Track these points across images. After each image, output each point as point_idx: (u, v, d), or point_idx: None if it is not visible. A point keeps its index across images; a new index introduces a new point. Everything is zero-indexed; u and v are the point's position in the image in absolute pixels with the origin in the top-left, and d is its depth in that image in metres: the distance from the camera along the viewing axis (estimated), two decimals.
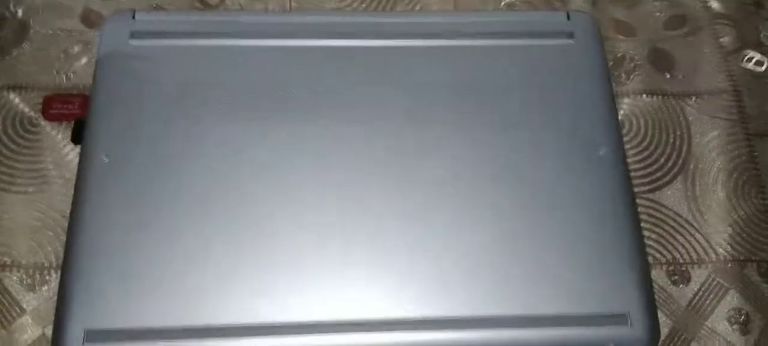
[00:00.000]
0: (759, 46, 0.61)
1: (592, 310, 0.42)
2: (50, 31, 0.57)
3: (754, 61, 0.60)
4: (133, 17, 0.51)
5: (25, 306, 0.47)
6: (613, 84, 0.55)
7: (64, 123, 0.53)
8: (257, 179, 0.45)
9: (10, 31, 0.57)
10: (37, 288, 0.47)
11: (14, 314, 0.47)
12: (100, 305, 0.40)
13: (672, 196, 0.53)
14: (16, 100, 0.54)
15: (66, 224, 0.45)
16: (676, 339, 0.49)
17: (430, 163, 0.46)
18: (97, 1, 0.59)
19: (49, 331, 0.45)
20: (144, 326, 0.40)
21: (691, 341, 0.49)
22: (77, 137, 0.50)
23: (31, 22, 0.57)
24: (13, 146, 0.52)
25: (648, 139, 0.55)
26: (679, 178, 0.54)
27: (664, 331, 0.48)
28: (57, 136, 0.52)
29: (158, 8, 0.59)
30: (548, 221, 0.44)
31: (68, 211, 0.44)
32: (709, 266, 0.51)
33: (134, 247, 0.42)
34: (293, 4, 0.60)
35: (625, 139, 0.54)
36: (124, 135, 0.46)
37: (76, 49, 0.56)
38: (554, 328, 0.42)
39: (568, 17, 0.53)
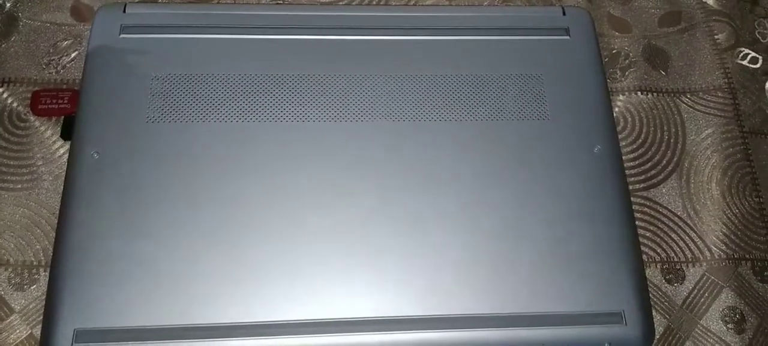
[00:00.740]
0: (754, 44, 0.61)
1: (587, 309, 0.42)
2: (39, 24, 0.56)
3: (749, 58, 0.60)
4: (124, 10, 0.50)
5: (13, 305, 0.46)
6: (608, 80, 0.55)
7: (53, 118, 0.52)
8: (249, 176, 0.44)
9: None
10: (25, 287, 0.47)
11: (2, 314, 0.46)
12: (90, 304, 0.40)
13: (667, 194, 0.53)
14: (5, 94, 0.53)
15: (55, 222, 0.44)
16: (670, 338, 0.49)
17: (424, 161, 0.45)
18: None
19: (37, 331, 0.45)
20: (135, 325, 0.39)
21: (686, 340, 0.49)
22: (67, 133, 0.50)
23: (19, 14, 0.56)
24: (0, 142, 0.51)
25: (643, 137, 0.55)
26: (674, 175, 0.54)
27: (659, 330, 0.48)
28: (46, 132, 0.52)
29: (149, 1, 0.58)
30: (543, 218, 0.44)
31: (58, 208, 0.44)
32: (704, 264, 0.51)
33: (125, 245, 0.41)
34: None
35: (620, 136, 0.54)
36: (115, 131, 0.45)
37: (66, 42, 0.56)
38: (549, 327, 0.41)
39: (564, 13, 0.53)
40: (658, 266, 0.51)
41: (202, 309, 0.40)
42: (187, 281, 0.41)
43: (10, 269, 0.47)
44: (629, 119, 0.56)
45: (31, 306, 0.46)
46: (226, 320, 0.40)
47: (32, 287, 0.47)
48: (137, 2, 0.57)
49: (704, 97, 0.58)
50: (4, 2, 0.57)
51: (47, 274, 0.45)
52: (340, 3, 0.60)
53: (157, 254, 0.41)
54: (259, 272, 0.41)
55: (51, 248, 0.45)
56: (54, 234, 0.43)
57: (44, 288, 0.44)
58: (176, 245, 0.42)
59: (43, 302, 0.41)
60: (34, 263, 0.47)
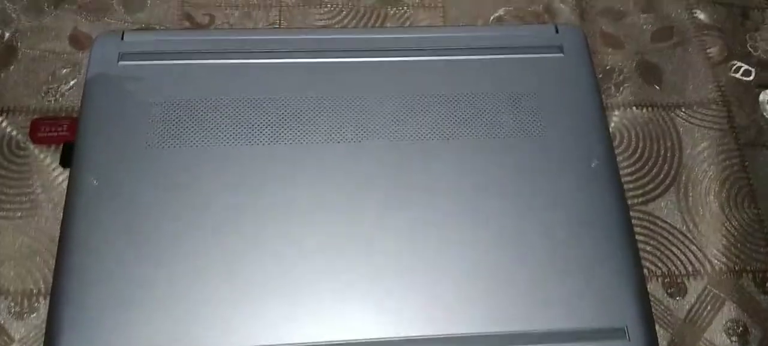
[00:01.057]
0: (746, 57, 0.61)
1: (590, 325, 0.42)
2: (38, 53, 0.57)
3: (742, 71, 0.60)
4: (122, 38, 0.50)
5: (13, 335, 0.46)
6: (603, 96, 0.56)
7: (53, 146, 0.52)
8: (249, 199, 0.44)
9: None
10: (25, 316, 0.46)
11: (2, 343, 0.46)
12: (90, 332, 0.39)
13: (665, 207, 0.53)
14: (4, 123, 0.53)
15: (55, 250, 0.44)
16: None
17: (421, 181, 0.45)
18: (85, 22, 0.59)
19: None
20: None
21: None
22: (66, 160, 0.50)
23: (18, 44, 0.57)
24: (0, 171, 0.51)
25: (639, 151, 0.56)
26: (672, 189, 0.54)
27: (662, 344, 0.48)
28: (45, 160, 0.52)
29: (147, 28, 0.59)
30: (542, 235, 0.44)
31: (57, 236, 0.44)
32: (705, 277, 0.51)
33: (125, 272, 0.41)
34: (283, 22, 0.60)
35: (616, 151, 0.55)
36: (114, 158, 0.45)
37: (65, 71, 0.56)
38: (552, 344, 0.41)
39: (557, 31, 0.54)
40: (660, 280, 0.51)
41: (204, 334, 0.40)
42: (188, 306, 0.41)
43: (9, 298, 0.47)
44: (625, 134, 0.56)
45: (31, 335, 0.46)
46: (228, 344, 0.40)
47: (32, 316, 0.46)
48: (135, 30, 0.58)
49: (699, 110, 0.58)
50: (2, 32, 0.57)
51: (47, 302, 0.44)
52: (336, 26, 0.61)
53: (157, 280, 0.41)
54: (260, 296, 0.41)
55: (51, 276, 0.45)
56: (54, 262, 0.43)
57: (44, 316, 0.44)
58: (176, 271, 0.41)
59: (43, 331, 0.41)
60: (34, 291, 0.47)
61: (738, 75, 0.60)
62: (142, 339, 0.39)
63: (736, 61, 0.61)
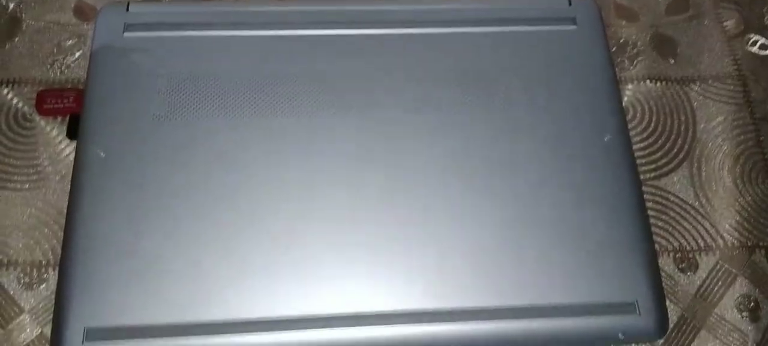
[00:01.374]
0: (763, 30, 0.60)
1: (600, 299, 0.42)
2: (43, 25, 0.56)
3: (758, 44, 0.59)
4: (127, 9, 0.50)
5: (22, 305, 0.46)
6: (616, 70, 0.55)
7: (59, 118, 0.52)
8: (257, 172, 0.44)
9: (2, 25, 0.56)
10: (34, 286, 0.47)
11: (12, 313, 0.46)
12: (99, 302, 0.40)
13: (678, 182, 0.53)
14: (10, 95, 0.53)
15: (63, 221, 0.44)
16: (684, 327, 0.48)
17: (433, 154, 0.45)
18: None
19: (48, 330, 0.44)
20: (144, 323, 0.39)
21: (700, 329, 0.48)
22: (72, 132, 0.50)
23: (23, 15, 0.56)
24: (7, 143, 0.51)
25: (653, 126, 0.55)
26: (685, 164, 0.54)
27: (673, 319, 0.48)
28: (52, 132, 0.51)
29: None
30: (554, 209, 0.44)
31: (65, 207, 0.43)
32: (717, 252, 0.50)
33: (133, 243, 0.41)
34: None
35: (629, 125, 0.54)
36: (120, 129, 0.45)
37: (70, 42, 0.55)
38: (562, 318, 0.41)
39: (570, 3, 0.53)
40: (671, 255, 0.50)
41: (212, 305, 0.40)
42: (196, 277, 0.41)
43: (19, 269, 0.47)
44: (638, 108, 0.55)
45: (40, 305, 0.46)
46: (236, 316, 0.40)
47: (41, 286, 0.47)
48: (140, 1, 0.57)
49: (714, 84, 0.57)
50: (7, 3, 0.57)
51: (56, 273, 0.45)
52: None
53: (165, 251, 0.41)
54: (267, 268, 0.41)
55: (59, 247, 0.45)
56: (62, 233, 0.43)
57: (53, 287, 0.44)
58: (184, 242, 0.41)
59: (53, 301, 0.41)
60: (43, 262, 0.47)
61: (754, 49, 0.59)
62: (151, 309, 0.40)
63: (752, 35, 0.60)
